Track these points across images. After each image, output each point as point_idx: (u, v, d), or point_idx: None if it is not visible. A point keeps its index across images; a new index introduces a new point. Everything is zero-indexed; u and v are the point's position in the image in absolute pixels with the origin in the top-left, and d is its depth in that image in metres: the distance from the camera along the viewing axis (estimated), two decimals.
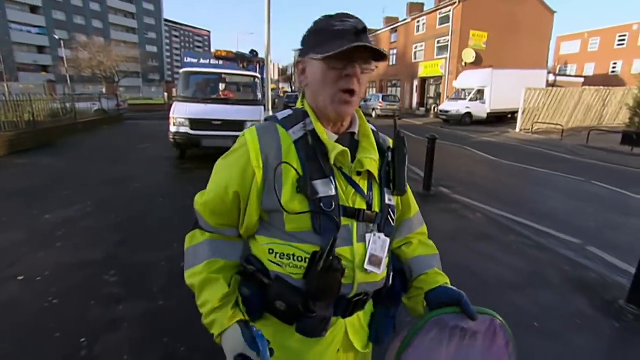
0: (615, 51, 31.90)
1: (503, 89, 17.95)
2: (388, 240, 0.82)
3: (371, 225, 0.80)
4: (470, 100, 18.56)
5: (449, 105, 19.43)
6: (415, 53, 29.37)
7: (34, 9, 48.15)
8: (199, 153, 7.65)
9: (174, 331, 2.22)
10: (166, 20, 74.67)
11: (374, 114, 23.31)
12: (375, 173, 0.82)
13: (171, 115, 6.90)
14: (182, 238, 0.90)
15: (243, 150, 0.79)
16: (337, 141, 0.80)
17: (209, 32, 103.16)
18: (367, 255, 0.78)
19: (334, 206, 0.75)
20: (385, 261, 0.81)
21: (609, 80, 27.59)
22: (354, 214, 0.77)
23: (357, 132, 0.86)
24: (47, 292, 2.61)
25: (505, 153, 10.22)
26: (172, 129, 6.87)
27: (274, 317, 0.79)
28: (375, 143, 0.86)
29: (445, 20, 25.50)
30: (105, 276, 2.87)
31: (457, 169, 7.96)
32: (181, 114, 6.81)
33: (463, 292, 0.79)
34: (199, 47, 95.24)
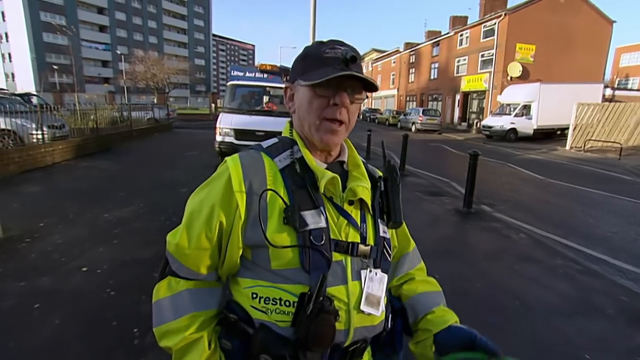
0: None
1: (552, 104, 17.01)
2: (385, 276, 0.75)
3: (366, 260, 0.72)
4: (516, 115, 17.75)
5: (492, 121, 18.72)
6: (457, 67, 28.74)
7: (102, 28, 54.02)
8: None
9: None
10: (213, 35, 79.36)
11: (413, 128, 22.97)
12: (369, 202, 0.76)
13: (217, 125, 7.33)
14: None
15: (224, 177, 0.71)
16: (326, 169, 0.75)
17: (253, 46, 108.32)
18: (364, 295, 0.69)
19: (324, 239, 0.67)
20: (383, 301, 0.73)
21: None
22: (347, 248, 0.70)
23: (346, 160, 0.81)
24: (106, 284, 2.88)
25: (553, 171, 9.64)
26: (218, 138, 7.29)
27: None
28: (365, 172, 0.80)
29: (489, 33, 24.80)
30: (155, 274, 3.09)
31: (500, 187, 7.64)
32: (227, 124, 7.23)
33: (475, 330, 0.71)
34: (243, 60, 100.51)
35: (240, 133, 7.12)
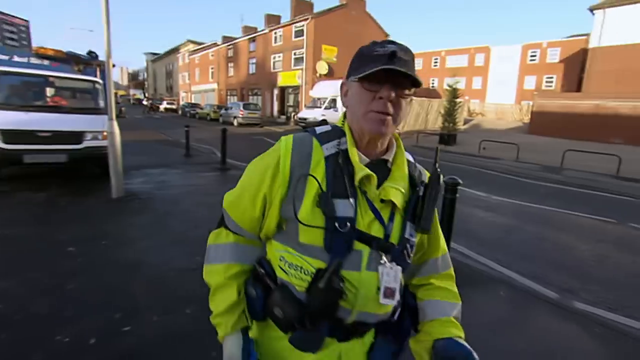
0: (433, 70, 39.66)
1: None
2: (400, 269, 0.78)
3: (384, 255, 0.77)
4: (325, 108, 19.88)
5: (306, 113, 20.34)
6: (274, 63, 29.98)
7: None
8: (24, 172, 6.00)
9: None
10: None
11: (235, 123, 22.54)
12: (400, 205, 0.79)
13: None
14: None
15: (275, 155, 0.80)
16: (368, 165, 0.79)
17: (26, 21, 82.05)
18: (382, 288, 0.75)
19: (348, 227, 0.74)
20: (397, 292, 0.77)
21: (430, 93, 34.01)
22: (368, 240, 0.76)
23: (390, 159, 0.83)
24: None
25: None
26: None
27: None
28: (407, 174, 0.83)
29: (300, 33, 26.82)
30: None
31: None
32: None
33: (475, 353, 0.76)
34: (11, 39, 74.78)
35: (12, 135, 5.10)
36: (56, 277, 2.83)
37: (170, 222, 4.30)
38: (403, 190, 0.80)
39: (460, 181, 3.36)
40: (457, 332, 0.82)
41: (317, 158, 0.78)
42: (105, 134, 5.32)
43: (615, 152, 10.47)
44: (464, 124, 23.75)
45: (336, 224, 0.73)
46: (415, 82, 0.74)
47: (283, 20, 30.67)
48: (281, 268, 0.79)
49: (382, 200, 0.77)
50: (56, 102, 6.23)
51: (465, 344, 0.78)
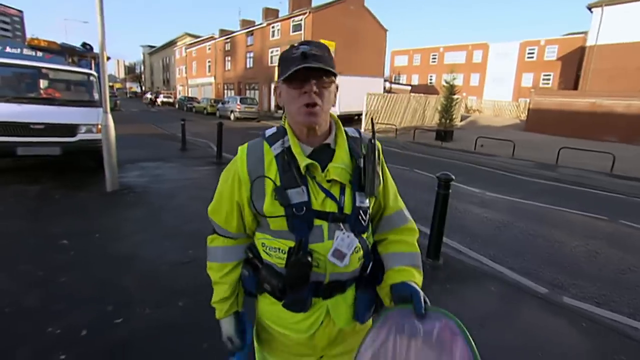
0: (431, 66, 39.60)
1: (350, 93, 19.62)
2: (356, 240, 0.93)
3: (341, 225, 0.92)
4: None
5: None
6: (271, 57, 29.78)
7: None
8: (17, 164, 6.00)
9: None
10: None
11: (232, 117, 22.43)
12: (345, 180, 0.93)
13: None
14: None
15: (235, 165, 0.96)
16: (312, 152, 0.93)
17: (20, 11, 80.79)
18: (332, 249, 0.90)
19: (304, 210, 0.89)
20: (349, 257, 0.92)
21: (428, 89, 33.99)
22: (325, 216, 0.90)
23: (331, 142, 0.96)
24: None
25: None
26: None
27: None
28: (348, 151, 0.96)
29: (298, 28, 26.64)
30: None
31: None
32: None
33: (420, 290, 0.88)
34: (5, 29, 73.73)
35: (3, 127, 5.10)
36: (48, 270, 2.83)
37: (165, 216, 4.30)
38: (344, 167, 0.93)
39: (453, 177, 3.38)
40: (409, 276, 0.94)
41: (268, 159, 0.93)
42: (99, 126, 5.28)
43: (610, 150, 10.53)
44: (461, 120, 23.77)
45: (293, 210, 0.88)
46: (325, 71, 0.86)
47: (281, 14, 30.46)
48: (264, 251, 0.97)
49: (329, 180, 0.91)
50: (50, 95, 6.16)
51: (413, 284, 0.90)
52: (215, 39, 38.48)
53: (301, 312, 0.95)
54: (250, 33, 32.13)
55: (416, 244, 1.05)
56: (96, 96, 6.29)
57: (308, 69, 0.83)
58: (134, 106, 32.70)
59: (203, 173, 6.88)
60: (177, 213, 4.43)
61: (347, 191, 0.93)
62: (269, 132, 0.98)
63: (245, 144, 0.97)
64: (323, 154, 0.93)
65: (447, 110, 16.03)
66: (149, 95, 40.38)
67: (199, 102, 29.56)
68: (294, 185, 0.89)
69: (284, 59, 0.89)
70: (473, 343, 0.76)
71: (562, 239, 4.51)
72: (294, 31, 27.04)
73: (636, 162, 11.39)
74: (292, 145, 0.92)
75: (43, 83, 6.34)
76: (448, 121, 15.98)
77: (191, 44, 44.35)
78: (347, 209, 0.92)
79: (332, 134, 0.97)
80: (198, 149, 9.88)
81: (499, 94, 34.18)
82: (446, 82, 16.32)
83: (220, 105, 25.16)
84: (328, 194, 0.91)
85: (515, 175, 8.80)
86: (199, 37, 44.96)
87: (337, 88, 0.93)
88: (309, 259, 0.88)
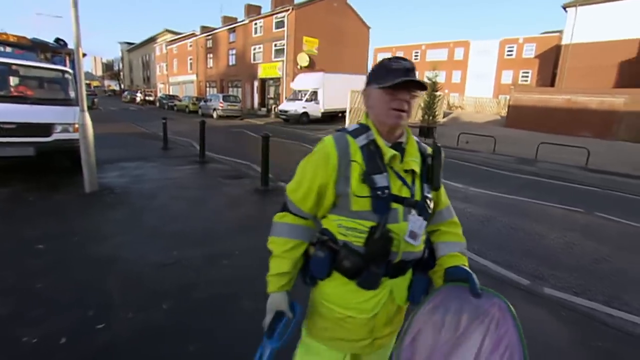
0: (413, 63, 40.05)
1: (333, 90, 19.72)
2: (425, 222, 1.09)
3: (412, 209, 1.07)
4: (306, 100, 19.68)
5: (287, 106, 20.12)
6: (254, 54, 29.45)
7: None
8: None
9: None
10: None
11: (215, 115, 22.10)
12: (418, 171, 1.10)
13: None
14: None
15: (324, 151, 1.08)
16: (391, 147, 1.09)
17: None
18: (408, 231, 1.05)
19: (386, 194, 1.03)
20: (421, 237, 1.09)
21: None
22: (401, 200, 1.05)
23: (404, 142, 1.13)
24: None
25: None
26: None
27: (338, 274, 1.08)
28: (418, 150, 1.14)
29: (280, 24, 26.40)
30: None
31: (295, 165, 7.93)
32: None
33: (474, 273, 1.01)
34: None
35: None
36: (23, 276, 2.71)
37: (146, 217, 4.19)
38: (417, 162, 1.11)
39: None
40: (461, 261, 1.11)
41: (353, 148, 1.06)
42: (76, 126, 5.09)
43: (584, 145, 10.91)
44: (444, 117, 24.15)
45: (378, 192, 1.02)
46: (422, 87, 1.04)
47: (264, 11, 30.12)
48: (340, 232, 1.07)
49: (405, 171, 1.08)
50: (21, 92, 5.84)
51: (467, 268, 1.05)
52: (196, 35, 37.74)
53: (371, 290, 1.06)
54: (233, 30, 31.66)
55: (462, 235, 1.21)
56: (72, 94, 6.05)
57: (407, 82, 1.00)
58: (112, 104, 31.78)
59: (185, 172, 6.75)
60: (159, 213, 4.33)
61: (417, 182, 1.10)
62: (351, 128, 1.13)
63: (330, 136, 1.10)
64: (397, 150, 1.09)
65: (429, 107, 16.25)
66: (139, 95, 38.54)
67: (180, 100, 28.96)
68: (378, 171, 1.04)
69: (385, 67, 1.05)
70: (519, 322, 0.90)
71: (542, 231, 4.64)
72: (276, 28, 26.79)
73: (608, 156, 11.86)
74: (377, 139, 1.08)
75: (13, 80, 6.02)
76: (431, 118, 16.21)
77: (172, 40, 43.37)
78: (417, 197, 1.08)
79: (405, 135, 1.14)
80: (180, 148, 9.69)
81: (480, 91, 34.89)
82: (428, 79, 16.51)
83: (202, 103, 24.74)
84: (404, 182, 1.07)
85: (497, 171, 9.01)
86: (179, 33, 43.97)
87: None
88: (391, 235, 1.01)
